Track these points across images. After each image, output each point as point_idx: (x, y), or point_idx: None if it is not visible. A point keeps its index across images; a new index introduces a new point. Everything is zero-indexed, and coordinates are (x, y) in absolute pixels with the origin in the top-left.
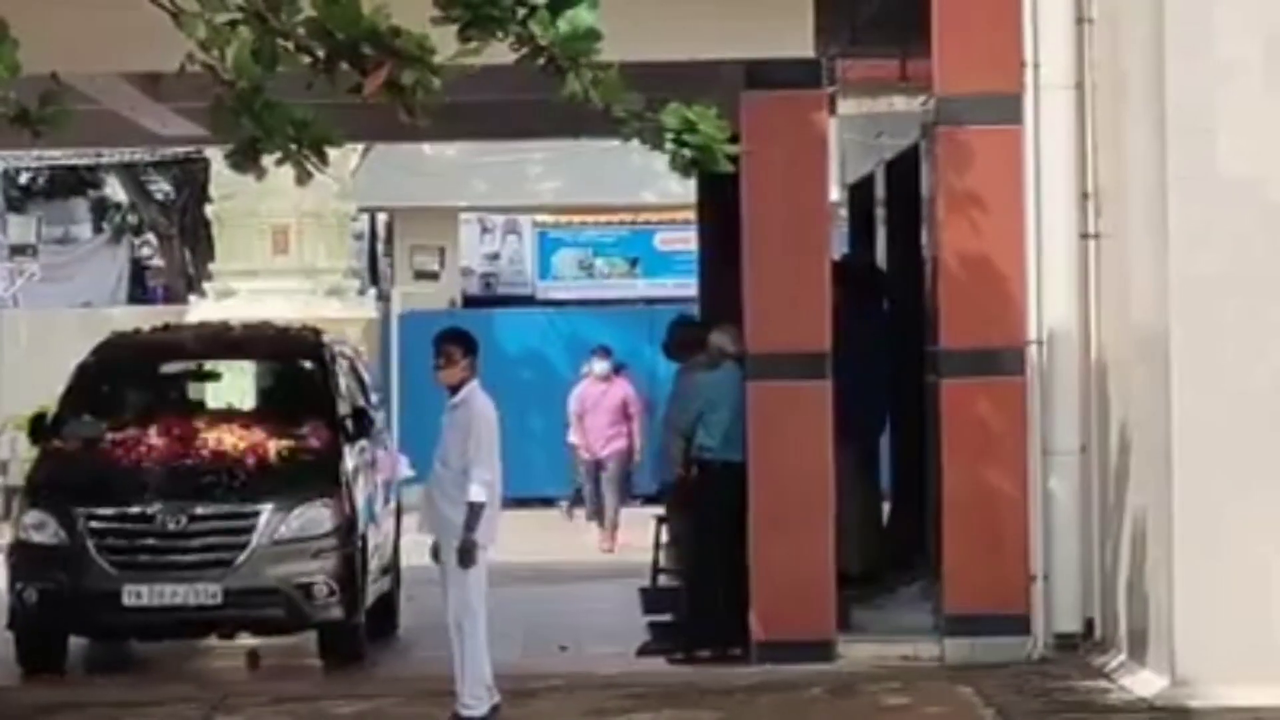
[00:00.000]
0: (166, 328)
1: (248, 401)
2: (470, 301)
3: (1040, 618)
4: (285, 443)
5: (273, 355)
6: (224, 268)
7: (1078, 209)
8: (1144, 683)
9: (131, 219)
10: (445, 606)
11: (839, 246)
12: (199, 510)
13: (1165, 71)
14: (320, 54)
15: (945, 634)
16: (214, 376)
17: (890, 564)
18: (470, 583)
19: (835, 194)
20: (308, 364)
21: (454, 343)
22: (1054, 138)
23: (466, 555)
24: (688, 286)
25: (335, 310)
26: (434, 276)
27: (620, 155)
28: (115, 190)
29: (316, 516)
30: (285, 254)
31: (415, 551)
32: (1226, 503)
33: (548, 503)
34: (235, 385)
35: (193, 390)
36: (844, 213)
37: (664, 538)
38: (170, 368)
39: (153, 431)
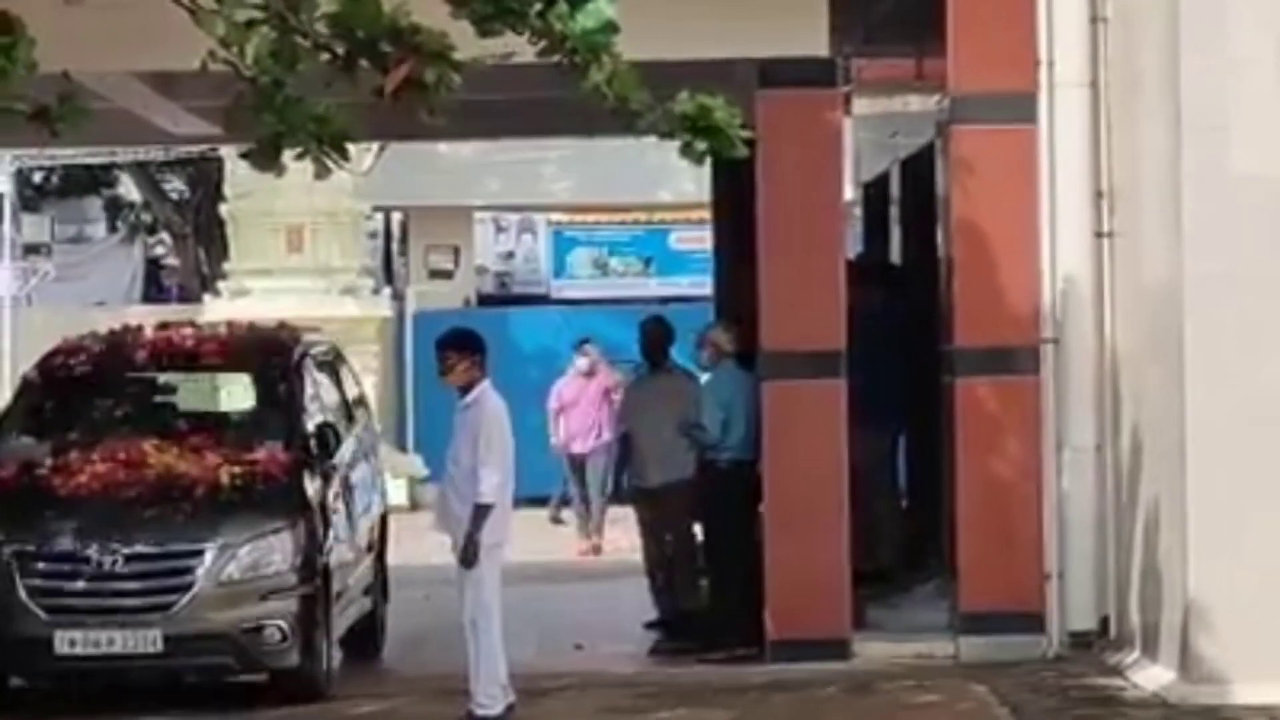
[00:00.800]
0: (125, 331)
1: (205, 418)
2: (485, 300)
3: (1055, 615)
4: (238, 469)
5: (232, 366)
6: (238, 266)
7: (1092, 207)
8: (1158, 680)
9: (145, 218)
10: (461, 606)
11: (854, 245)
12: (136, 549)
13: (1179, 69)
14: (340, 52)
15: (960, 632)
16: (168, 390)
17: (906, 562)
18: (484, 582)
19: (850, 193)
20: (269, 376)
21: (451, 347)
22: (1068, 136)
23: (467, 555)
24: (703, 285)
25: (349, 309)
26: (449, 275)
27: (635, 154)
28: (129, 189)
29: (268, 553)
30: (299, 253)
31: (438, 551)
32: (1240, 500)
33: (565, 502)
34: (193, 399)
35: (144, 407)
36: (859, 211)
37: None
38: (119, 382)
39: (95, 456)
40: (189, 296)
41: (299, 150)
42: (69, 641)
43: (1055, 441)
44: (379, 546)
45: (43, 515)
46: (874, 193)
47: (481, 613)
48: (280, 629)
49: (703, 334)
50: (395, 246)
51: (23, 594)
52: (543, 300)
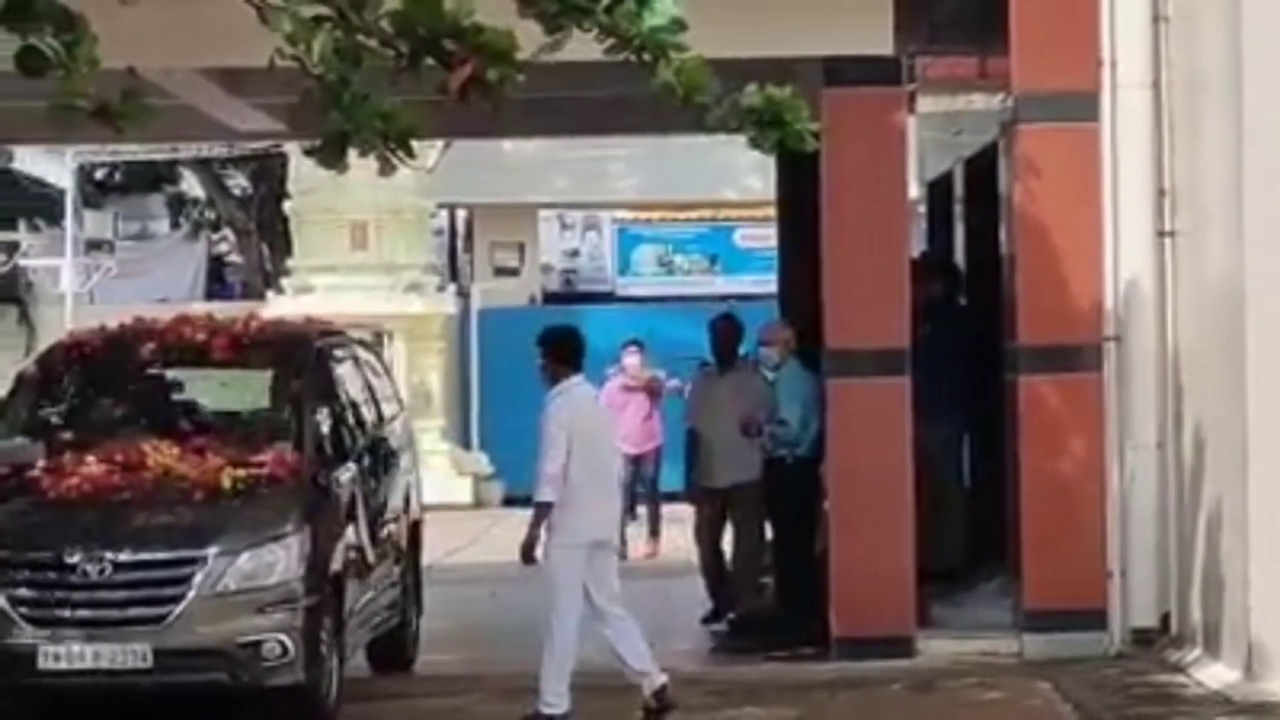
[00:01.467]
0: (132, 325)
1: (211, 417)
2: (550, 298)
3: (1117, 613)
4: (241, 471)
5: (242, 361)
6: (302, 263)
7: (1154, 206)
8: (1221, 677)
9: (209, 214)
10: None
11: (918, 244)
12: (125, 556)
13: (1241, 68)
14: (404, 50)
15: (1023, 629)
16: (172, 387)
17: (970, 560)
18: (557, 581)
19: (914, 191)
20: (281, 373)
21: (539, 344)
22: (1131, 135)
23: (523, 553)
24: (767, 284)
25: (414, 306)
26: (514, 273)
27: (701, 152)
28: (192, 186)
29: (269, 561)
30: (364, 250)
31: (502, 549)
32: None
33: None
34: (199, 396)
35: (146, 404)
36: (923, 210)
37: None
38: (121, 378)
39: (90, 457)
40: (252, 293)
41: (364, 147)
42: (53, 656)
43: (1117, 439)
44: (410, 555)
45: (28, 519)
46: (938, 191)
47: (553, 612)
48: (281, 643)
49: (765, 332)
50: (460, 243)
51: (3, 603)
52: (607, 298)
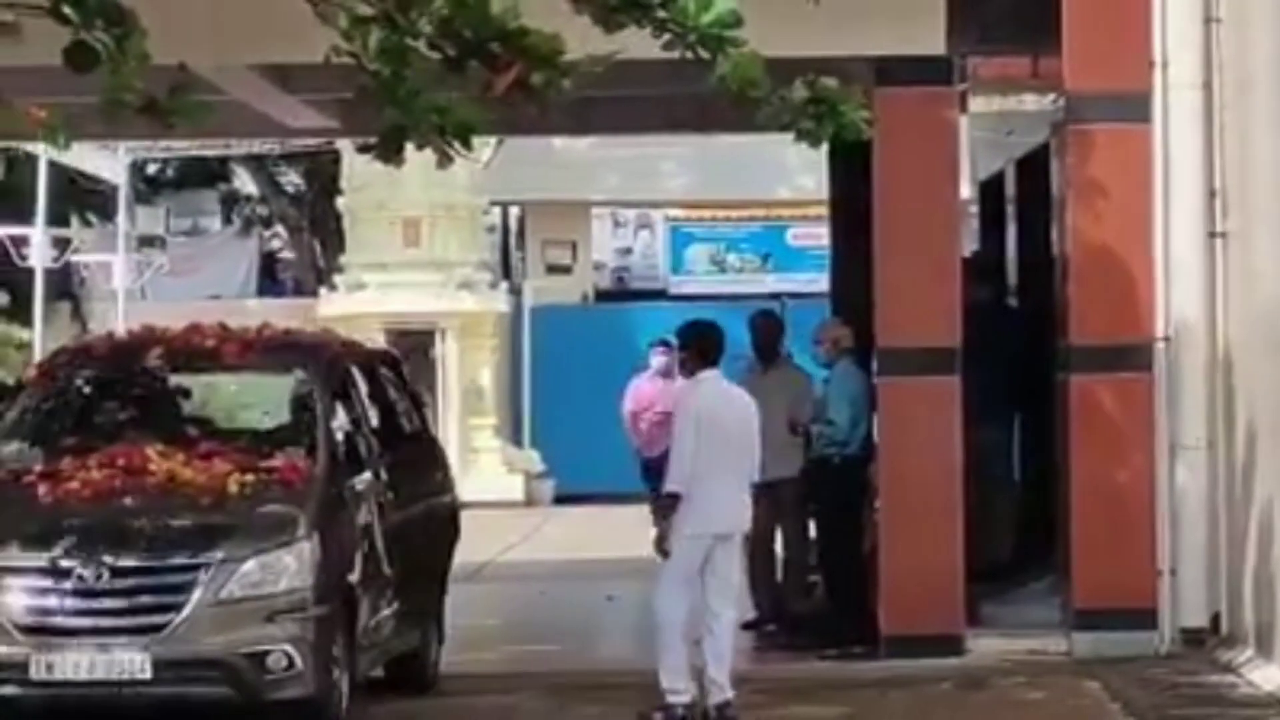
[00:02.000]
0: (142, 331)
1: (220, 425)
2: (602, 296)
3: (1167, 612)
4: (250, 477)
5: (254, 368)
6: (354, 260)
7: (1205, 207)
8: (1273, 679)
9: (261, 211)
10: None
11: (970, 243)
12: (123, 561)
13: None
14: (450, 53)
15: (1073, 628)
16: (181, 393)
17: (1020, 559)
18: (668, 571)
19: (966, 191)
20: (294, 381)
21: (678, 338)
22: (1182, 136)
23: (656, 545)
24: (819, 282)
25: (466, 303)
26: (566, 270)
27: (753, 151)
28: (244, 182)
29: (277, 569)
30: (416, 246)
31: (556, 546)
32: None
33: None
34: (209, 403)
35: (152, 411)
36: (975, 210)
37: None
38: (128, 384)
39: (92, 462)
40: (304, 290)
41: (422, 141)
42: (46, 665)
43: (1168, 438)
44: (437, 572)
45: (24, 524)
46: (990, 191)
47: (656, 600)
48: (287, 655)
49: (819, 330)
50: (513, 241)
51: None
52: (660, 296)
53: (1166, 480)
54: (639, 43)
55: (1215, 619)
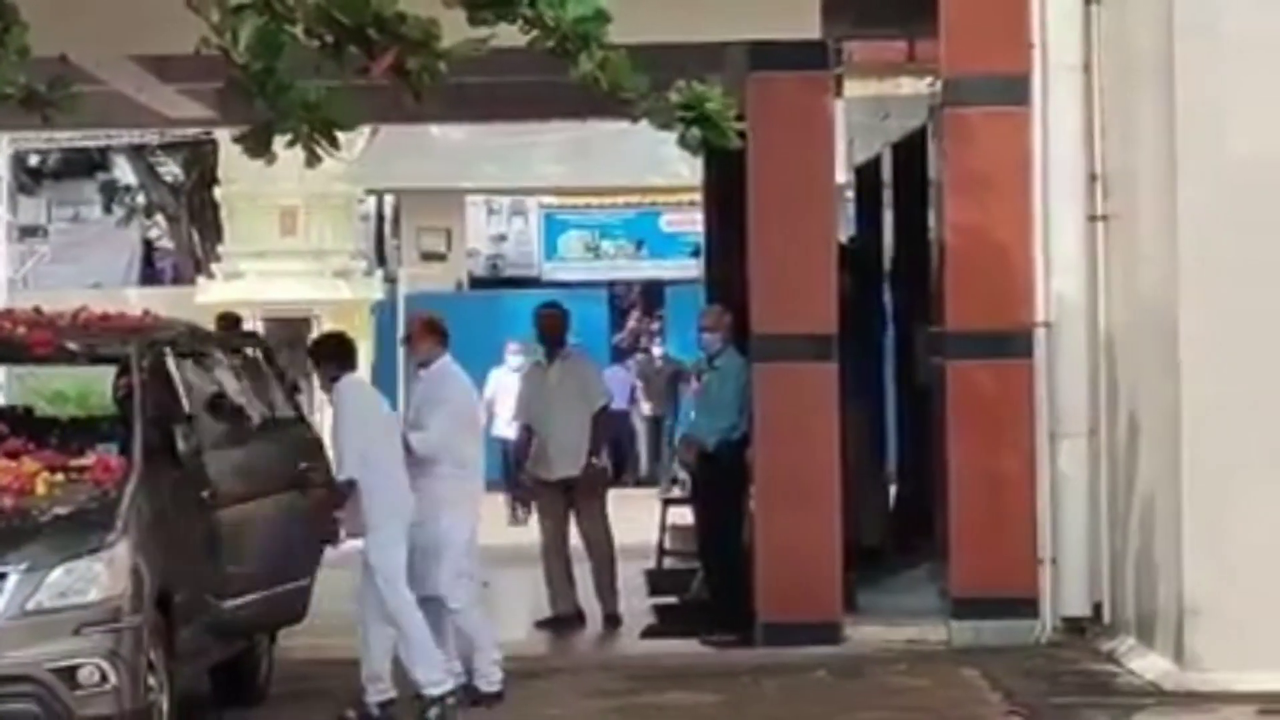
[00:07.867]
0: None
1: (28, 418)
2: (477, 283)
3: (1048, 601)
4: (59, 476)
5: (66, 358)
6: (232, 249)
7: (1086, 191)
8: (1153, 667)
9: (141, 200)
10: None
11: (846, 229)
12: None
13: (1174, 51)
14: (328, 39)
15: (952, 617)
16: None
17: (896, 546)
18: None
19: (842, 176)
20: (112, 370)
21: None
22: (1062, 119)
23: None
24: (693, 268)
25: (342, 292)
26: (441, 258)
27: (627, 138)
28: (125, 172)
29: (87, 577)
30: (293, 235)
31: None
32: (1235, 485)
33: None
34: (16, 395)
35: None
36: (851, 195)
37: (668, 521)
38: None
39: None
40: (183, 279)
41: (290, 137)
42: None
43: (1049, 425)
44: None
45: None
46: (866, 176)
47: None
48: (99, 669)
49: (706, 317)
50: (388, 229)
51: None
52: (534, 283)
53: (1047, 468)
54: (513, 31)
55: (1097, 608)
